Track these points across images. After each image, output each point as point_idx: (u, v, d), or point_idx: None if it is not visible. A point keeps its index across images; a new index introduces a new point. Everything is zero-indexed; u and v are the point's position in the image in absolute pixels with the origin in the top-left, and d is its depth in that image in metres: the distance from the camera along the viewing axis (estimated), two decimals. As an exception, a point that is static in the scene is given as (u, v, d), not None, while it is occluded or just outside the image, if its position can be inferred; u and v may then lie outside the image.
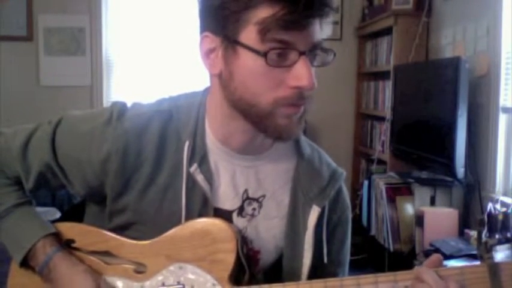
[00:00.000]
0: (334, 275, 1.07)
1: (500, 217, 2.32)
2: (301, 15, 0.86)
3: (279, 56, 0.88)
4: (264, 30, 0.87)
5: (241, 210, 1.04)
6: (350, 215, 1.14)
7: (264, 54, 0.87)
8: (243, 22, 0.88)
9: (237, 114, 0.95)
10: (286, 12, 0.85)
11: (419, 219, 2.79)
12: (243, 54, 0.89)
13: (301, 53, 0.88)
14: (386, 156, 3.62)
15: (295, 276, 1.03)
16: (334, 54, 0.94)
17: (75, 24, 4.06)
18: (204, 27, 0.95)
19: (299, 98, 0.91)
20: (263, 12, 0.86)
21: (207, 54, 0.95)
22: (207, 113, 1.02)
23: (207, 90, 1.05)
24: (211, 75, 0.98)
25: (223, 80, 0.94)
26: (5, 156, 1.07)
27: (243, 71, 0.90)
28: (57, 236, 1.04)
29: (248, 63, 0.89)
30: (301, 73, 0.88)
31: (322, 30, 0.92)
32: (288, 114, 0.92)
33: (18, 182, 1.08)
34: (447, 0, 3.30)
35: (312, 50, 0.91)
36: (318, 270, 1.04)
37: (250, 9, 0.87)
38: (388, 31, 3.68)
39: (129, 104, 1.06)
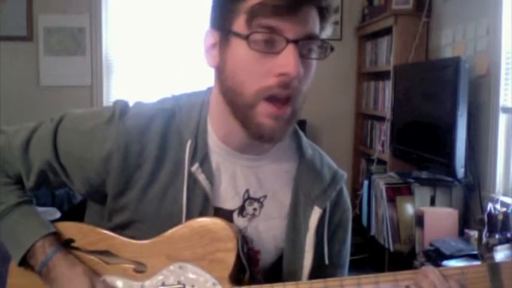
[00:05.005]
0: (333, 276, 1.06)
1: (500, 217, 2.32)
2: (289, 0, 0.86)
3: (265, 42, 0.88)
4: (251, 16, 0.87)
5: (242, 210, 1.03)
6: (350, 217, 1.13)
7: (247, 37, 0.88)
8: (235, 12, 0.91)
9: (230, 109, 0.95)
10: None
11: (419, 219, 2.79)
12: (234, 42, 0.91)
13: (289, 41, 0.87)
14: (387, 156, 3.62)
15: (295, 278, 1.03)
16: (332, 49, 0.93)
17: (75, 24, 4.06)
18: (209, 24, 0.98)
19: (284, 87, 0.89)
20: (253, 1, 0.88)
21: (208, 49, 0.97)
22: (210, 112, 1.02)
23: (210, 89, 1.05)
24: (215, 70, 0.99)
25: (219, 71, 0.96)
26: (6, 155, 1.06)
27: (232, 59, 0.92)
28: (57, 236, 1.04)
29: (237, 50, 0.90)
30: (286, 60, 0.87)
31: (322, 27, 0.92)
32: (270, 113, 0.91)
33: (18, 181, 1.08)
34: (447, 0, 3.30)
35: (304, 41, 0.89)
36: (318, 272, 1.03)
37: (242, 0, 0.89)
38: (388, 31, 3.68)
39: (131, 103, 1.05)
